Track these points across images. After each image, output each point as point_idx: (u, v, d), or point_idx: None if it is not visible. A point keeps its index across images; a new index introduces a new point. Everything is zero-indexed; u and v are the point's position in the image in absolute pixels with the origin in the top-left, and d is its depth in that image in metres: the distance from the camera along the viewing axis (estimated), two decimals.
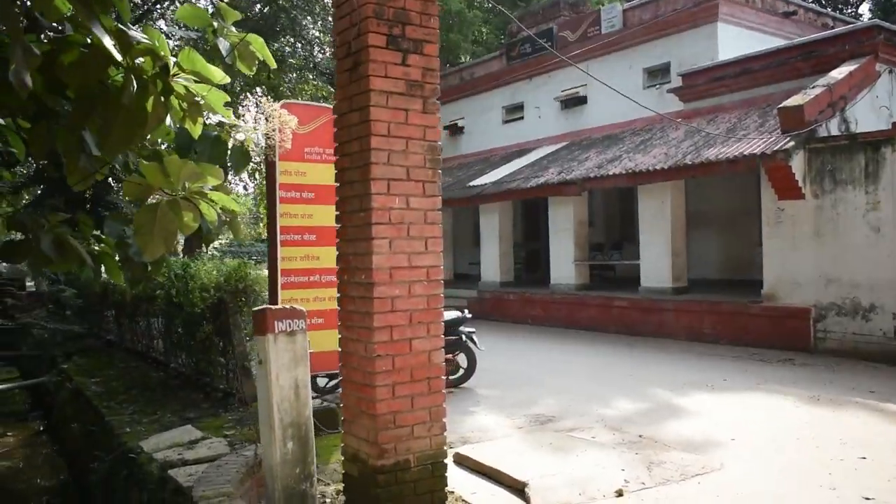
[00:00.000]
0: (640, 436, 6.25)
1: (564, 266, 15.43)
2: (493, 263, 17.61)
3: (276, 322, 3.88)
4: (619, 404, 7.67)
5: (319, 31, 32.33)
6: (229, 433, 7.38)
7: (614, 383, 8.87)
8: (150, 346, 11.83)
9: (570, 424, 6.80)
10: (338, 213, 4.82)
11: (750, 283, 13.14)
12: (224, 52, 4.62)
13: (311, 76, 35.64)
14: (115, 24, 2.92)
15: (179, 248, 10.41)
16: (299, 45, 31.91)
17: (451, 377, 8.74)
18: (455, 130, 23.27)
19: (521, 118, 20.60)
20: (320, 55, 34.55)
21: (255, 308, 4.20)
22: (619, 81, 15.30)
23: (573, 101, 18.65)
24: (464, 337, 8.67)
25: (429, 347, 4.54)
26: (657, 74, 16.49)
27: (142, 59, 2.99)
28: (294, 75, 33.24)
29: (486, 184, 17.16)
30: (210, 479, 5.04)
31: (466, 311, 8.91)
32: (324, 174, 7.33)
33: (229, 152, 5.81)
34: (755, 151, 10.59)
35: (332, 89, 36.13)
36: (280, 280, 6.98)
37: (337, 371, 5.36)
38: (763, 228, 11.49)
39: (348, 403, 4.65)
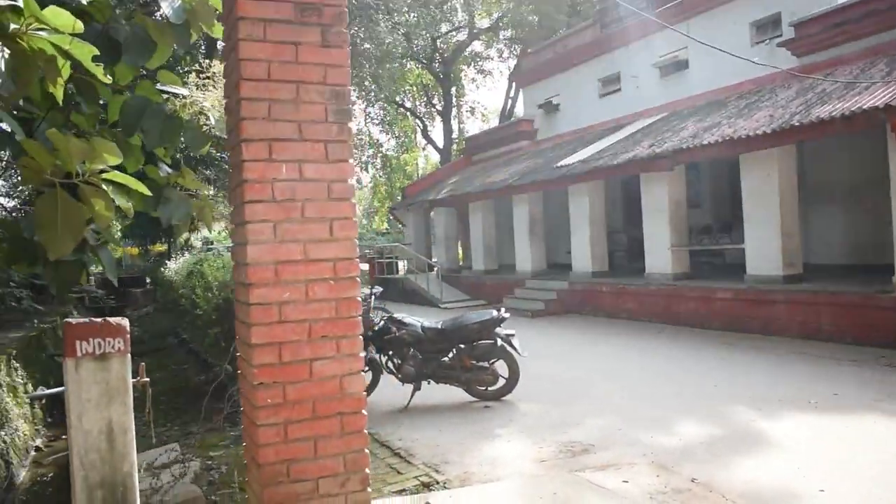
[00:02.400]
0: (693, 480, 4.68)
1: (660, 253, 13.55)
2: (584, 251, 15.93)
3: (77, 343, 2.75)
4: (683, 429, 6.05)
5: (416, 18, 31.52)
6: (216, 454, 6.45)
7: (689, 398, 7.20)
8: (200, 347, 11.30)
9: (606, 458, 5.30)
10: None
11: (879, 269, 10.85)
12: (170, 11, 3.57)
13: (413, 64, 35.00)
14: None
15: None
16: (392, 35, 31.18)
17: (489, 388, 7.41)
18: (550, 108, 21.63)
19: (618, 90, 18.71)
20: (420, 42, 33.77)
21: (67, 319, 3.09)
22: (723, 40, 13.27)
23: (673, 67, 16.60)
24: (500, 341, 7.27)
25: (340, 371, 3.28)
26: (766, 28, 14.21)
27: None
28: (396, 64, 32.66)
29: (573, 163, 15.50)
30: None
31: (503, 309, 7.51)
32: None
33: (184, 130, 4.82)
34: (877, 104, 8.44)
35: (432, 77, 35.41)
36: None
37: None
38: (893, 202, 9.27)
39: (245, 447, 3.48)
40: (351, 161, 3.33)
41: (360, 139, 40.12)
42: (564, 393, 7.73)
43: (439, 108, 36.47)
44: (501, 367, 7.43)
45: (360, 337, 3.33)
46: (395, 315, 7.78)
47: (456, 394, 7.54)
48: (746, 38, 14.43)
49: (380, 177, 42.10)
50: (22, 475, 7.76)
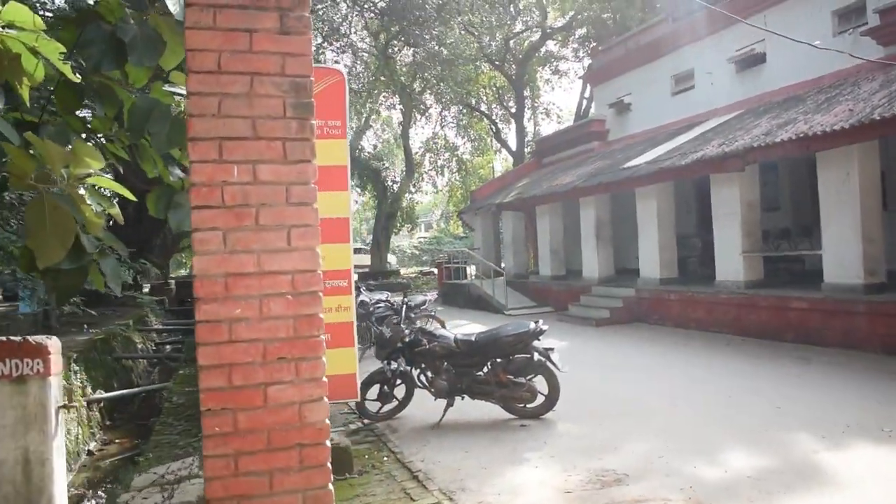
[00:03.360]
0: None
1: (731, 259, 12.66)
2: (651, 257, 15.14)
3: None
4: (732, 460, 5.41)
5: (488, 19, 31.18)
6: None
7: (745, 421, 6.51)
8: None
9: (638, 492, 4.75)
10: None
11: None
12: (176, 9, 3.34)
13: (485, 66, 34.61)
14: None
15: None
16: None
17: (528, 406, 6.94)
18: (622, 108, 20.83)
19: (692, 87, 17.80)
20: (493, 43, 33.37)
21: None
22: (802, 31, 12.36)
23: (749, 61, 15.61)
24: (537, 355, 6.78)
25: (299, 398, 2.92)
26: (849, 17, 13.14)
27: None
28: (469, 66, 32.35)
29: (639, 164, 14.75)
30: None
31: (541, 321, 7.00)
32: (325, 152, 5.86)
33: None
34: None
35: (504, 79, 34.91)
36: None
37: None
38: None
39: None
40: (314, 162, 2.97)
41: (436, 142, 40.11)
42: (611, 411, 7.16)
43: (513, 110, 35.95)
44: (542, 383, 6.93)
45: (323, 359, 2.95)
46: (425, 327, 7.41)
47: (494, 410, 7.10)
48: (828, 28, 13.38)
49: (455, 180, 41.92)
50: (70, 479, 7.78)
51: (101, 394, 10.40)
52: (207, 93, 2.84)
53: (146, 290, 22.19)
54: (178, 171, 4.61)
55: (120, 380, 12.50)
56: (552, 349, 6.90)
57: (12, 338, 2.64)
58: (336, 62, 36.06)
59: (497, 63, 33.65)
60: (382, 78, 31.21)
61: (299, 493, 2.91)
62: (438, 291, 24.86)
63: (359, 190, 44.56)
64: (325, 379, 2.96)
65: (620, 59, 20.85)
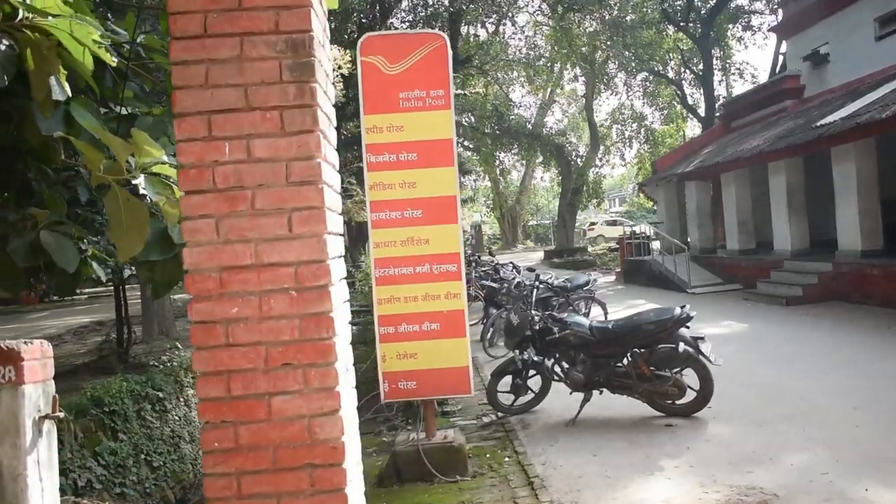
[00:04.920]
0: None
1: None
2: (850, 226, 13.15)
3: None
4: None
5: None
6: None
7: None
8: None
9: None
10: None
11: None
12: None
13: (670, 29, 32.30)
14: None
15: None
16: None
17: (676, 402, 6.09)
18: (818, 60, 18.38)
19: None
20: (677, 3, 31.03)
21: None
22: None
23: None
24: (683, 345, 5.87)
25: (307, 411, 2.51)
26: None
27: None
28: (652, 30, 30.42)
29: (833, 121, 12.79)
30: None
31: (688, 306, 6.06)
32: (428, 125, 5.49)
33: None
34: None
35: (689, 41, 32.34)
36: (375, 274, 5.34)
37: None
38: None
39: None
40: (319, 131, 2.51)
41: (623, 113, 38.40)
42: (775, 411, 6.09)
43: (699, 73, 33.31)
44: (689, 377, 6.04)
45: (335, 366, 2.50)
46: (555, 313, 6.75)
47: (638, 406, 6.32)
48: None
49: (644, 151, 39.90)
50: None
51: None
52: (193, 60, 2.48)
53: None
54: None
55: None
56: (702, 338, 5.97)
57: None
58: (514, 35, 35.54)
59: (682, 24, 31.25)
60: (564, 51, 30.18)
61: None
62: (620, 269, 23.72)
63: (543, 167, 43.90)
64: (338, 389, 2.51)
65: (815, 5, 18.36)
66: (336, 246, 2.67)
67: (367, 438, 6.69)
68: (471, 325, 13.31)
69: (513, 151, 38.53)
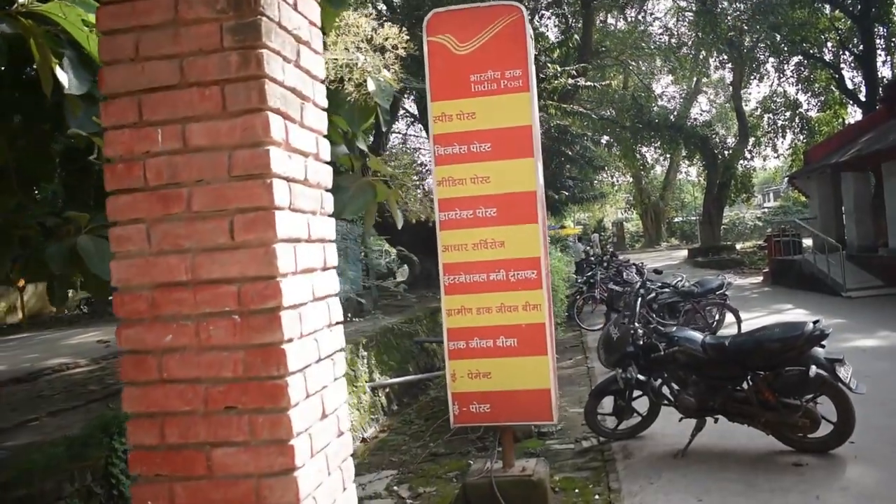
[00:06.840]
0: None
1: None
2: None
3: None
4: None
5: None
6: (428, 489, 5.52)
7: None
8: None
9: None
10: None
11: None
12: None
13: (825, 7, 29.38)
14: None
15: None
16: None
17: (808, 436, 5.06)
18: None
19: None
20: None
21: None
22: None
23: None
24: (816, 368, 4.82)
25: (255, 469, 1.99)
26: None
27: None
28: (806, 10, 27.77)
29: None
30: None
31: (822, 321, 4.99)
32: (503, 111, 4.85)
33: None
34: None
35: (847, 19, 29.16)
36: (444, 281, 4.80)
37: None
38: None
39: None
40: (270, 110, 1.96)
41: (775, 101, 35.49)
42: None
43: (859, 53, 30.02)
44: (825, 406, 4.99)
45: (288, 414, 1.94)
46: (660, 327, 5.85)
47: (765, 437, 5.32)
48: None
49: (799, 141, 36.66)
50: None
51: (379, 380, 10.40)
52: (121, 29, 2.02)
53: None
54: (337, 149, 3.98)
55: (418, 363, 12.35)
56: (840, 359, 4.90)
57: None
58: (654, 22, 33.63)
59: (839, 0, 28.25)
60: (712, 37, 28.18)
61: None
62: (768, 269, 21.70)
63: (687, 161, 41.47)
64: (292, 443, 1.95)
65: None
66: (307, 256, 2.11)
67: (452, 460, 6.14)
68: (593, 331, 12.62)
69: (654, 145, 36.60)
